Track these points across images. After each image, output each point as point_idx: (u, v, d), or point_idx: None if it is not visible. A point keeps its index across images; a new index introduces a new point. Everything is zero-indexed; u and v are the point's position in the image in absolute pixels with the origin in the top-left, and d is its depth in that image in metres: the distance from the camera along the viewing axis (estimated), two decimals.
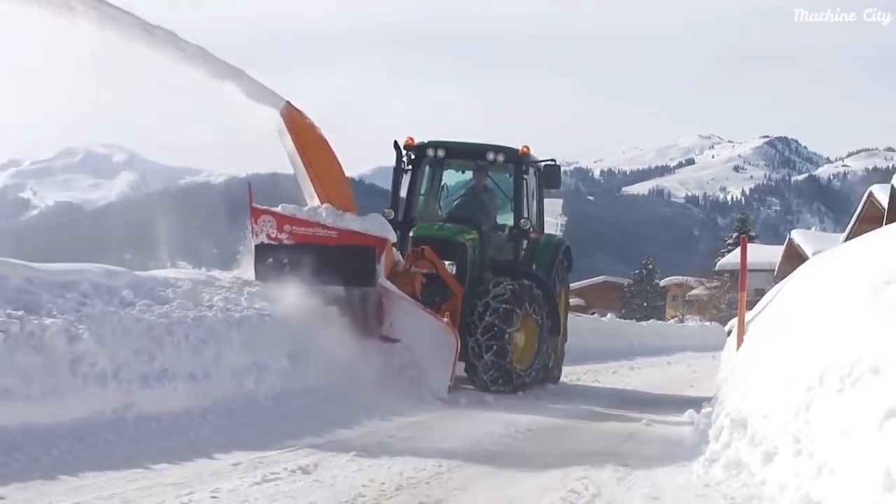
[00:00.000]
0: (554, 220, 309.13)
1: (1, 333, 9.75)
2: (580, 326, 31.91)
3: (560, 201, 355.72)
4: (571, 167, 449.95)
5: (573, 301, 65.59)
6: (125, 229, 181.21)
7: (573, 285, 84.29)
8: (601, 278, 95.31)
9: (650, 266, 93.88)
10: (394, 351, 15.09)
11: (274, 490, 8.43)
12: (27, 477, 8.21)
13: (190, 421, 10.92)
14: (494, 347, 16.32)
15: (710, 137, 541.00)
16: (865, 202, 39.89)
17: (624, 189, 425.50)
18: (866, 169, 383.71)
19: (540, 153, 18.69)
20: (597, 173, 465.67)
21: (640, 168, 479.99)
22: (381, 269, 15.14)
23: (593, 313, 46.65)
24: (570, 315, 21.75)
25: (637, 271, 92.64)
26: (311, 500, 8.15)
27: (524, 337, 17.05)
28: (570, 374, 21.57)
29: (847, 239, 30.51)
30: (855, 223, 39.21)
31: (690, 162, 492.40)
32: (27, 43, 14.45)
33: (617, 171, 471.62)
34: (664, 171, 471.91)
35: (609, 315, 45.75)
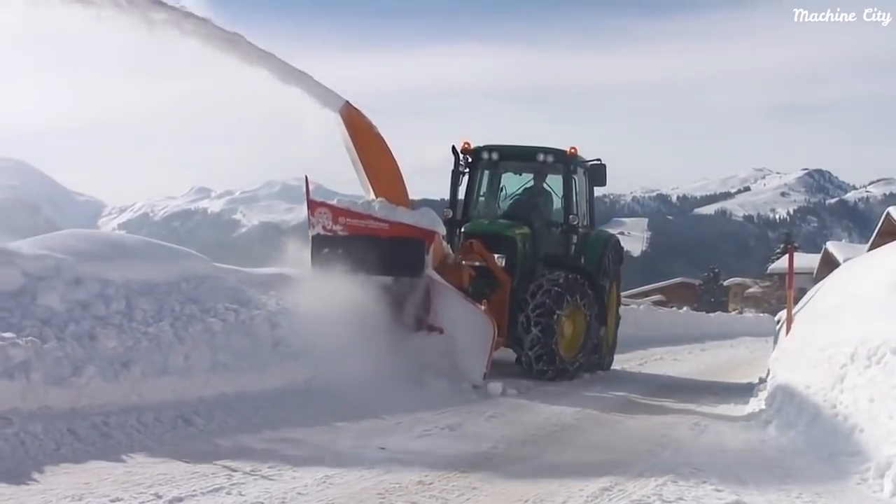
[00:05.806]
0: (641, 234, 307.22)
1: (221, 322, 9.99)
2: (661, 317, 31.64)
3: (646, 220, 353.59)
4: (654, 193, 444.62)
5: (656, 298, 65.09)
6: None
7: (657, 285, 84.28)
8: (678, 279, 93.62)
9: (716, 270, 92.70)
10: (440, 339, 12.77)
11: (429, 442, 8.50)
12: (240, 431, 8.36)
13: (362, 389, 10.80)
14: (542, 323, 14.12)
15: (762, 170, 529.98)
16: (884, 220, 39.55)
17: (695, 210, 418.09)
18: (884, 194, 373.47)
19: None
20: (674, 198, 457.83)
21: (708, 194, 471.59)
22: (430, 260, 12.98)
23: (672, 307, 45.93)
24: (651, 307, 21.00)
25: (706, 274, 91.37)
26: (457, 450, 8.16)
27: (572, 326, 14.76)
28: (654, 354, 21.33)
29: (870, 249, 29.90)
30: (875, 237, 38.56)
31: (747, 189, 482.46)
32: (242, 106, 14.71)
33: (689, 196, 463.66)
34: (726, 196, 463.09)
35: (685, 308, 44.92)
